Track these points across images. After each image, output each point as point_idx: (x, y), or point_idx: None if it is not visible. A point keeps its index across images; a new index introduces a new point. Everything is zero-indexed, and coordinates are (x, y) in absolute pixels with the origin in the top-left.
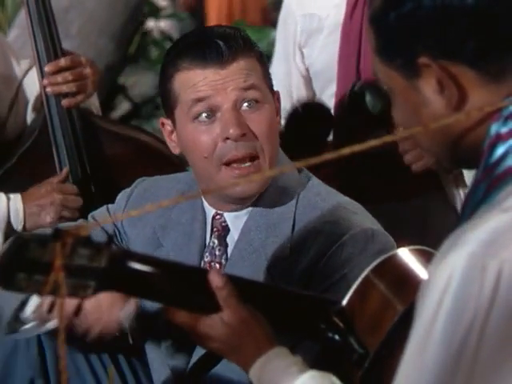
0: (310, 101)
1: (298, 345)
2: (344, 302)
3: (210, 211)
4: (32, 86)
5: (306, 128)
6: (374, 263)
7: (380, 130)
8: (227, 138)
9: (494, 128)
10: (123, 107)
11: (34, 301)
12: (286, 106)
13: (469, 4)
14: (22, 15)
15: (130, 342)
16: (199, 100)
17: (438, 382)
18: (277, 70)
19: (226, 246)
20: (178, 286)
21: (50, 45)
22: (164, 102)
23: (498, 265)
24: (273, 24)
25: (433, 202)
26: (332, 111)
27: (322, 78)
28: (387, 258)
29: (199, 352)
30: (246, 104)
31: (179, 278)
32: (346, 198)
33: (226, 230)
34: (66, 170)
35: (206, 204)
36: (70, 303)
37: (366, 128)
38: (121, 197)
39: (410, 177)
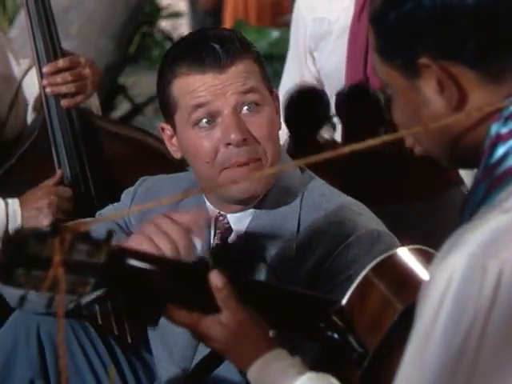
0: (302, 85)
1: (297, 345)
2: (344, 301)
3: (213, 212)
4: (32, 86)
5: (305, 109)
6: (374, 262)
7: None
8: (229, 144)
9: (495, 128)
10: (123, 107)
11: None
12: None
13: (469, 4)
14: (22, 15)
15: (129, 340)
16: (199, 106)
17: (438, 383)
18: (291, 73)
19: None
20: (177, 284)
21: (49, 45)
22: (163, 107)
23: (499, 265)
24: (287, 25)
25: (438, 203)
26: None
27: (332, 81)
28: (387, 258)
29: (202, 351)
30: (246, 108)
31: (178, 275)
32: (351, 199)
33: (228, 231)
34: (59, 172)
35: (208, 204)
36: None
37: (376, 125)
38: (125, 195)
39: (415, 178)
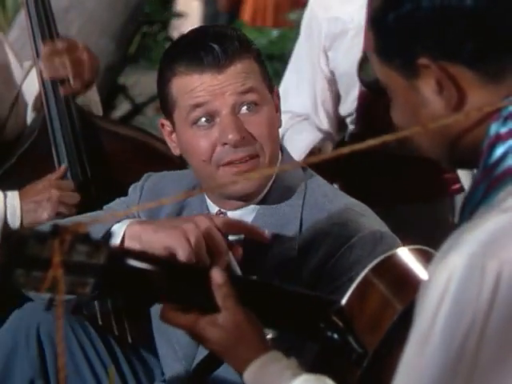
0: None
1: (297, 346)
2: (343, 301)
3: (214, 209)
4: (32, 86)
5: None
6: (374, 262)
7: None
8: (226, 144)
9: (494, 128)
10: (123, 107)
11: None
12: (309, 111)
13: (467, 5)
14: (22, 16)
15: (129, 340)
16: (197, 106)
17: (437, 383)
18: (300, 73)
19: None
20: (177, 284)
21: None
22: (162, 104)
23: (498, 265)
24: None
25: (441, 205)
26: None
27: (346, 81)
28: (387, 258)
29: (203, 350)
30: (244, 107)
31: (178, 275)
32: (353, 200)
33: None
34: (63, 166)
35: (209, 201)
36: None
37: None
38: (132, 190)
39: (418, 179)
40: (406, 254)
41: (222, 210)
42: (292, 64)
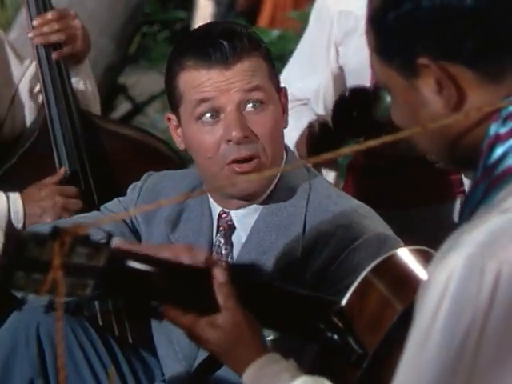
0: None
1: (296, 347)
2: (343, 301)
3: (216, 209)
4: (30, 82)
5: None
6: (374, 263)
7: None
8: (229, 141)
9: (493, 128)
10: (123, 107)
11: None
12: (309, 96)
13: (467, 5)
14: (23, 15)
15: (130, 341)
16: (203, 101)
17: (437, 383)
18: (304, 60)
19: (232, 245)
20: (177, 285)
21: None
22: (169, 97)
23: (497, 266)
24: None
25: (444, 209)
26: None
27: (355, 78)
28: (386, 258)
29: (204, 352)
30: (250, 105)
31: (178, 276)
32: (357, 202)
33: (231, 228)
34: (63, 169)
35: (211, 201)
36: None
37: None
38: (131, 190)
39: (424, 182)
40: (405, 255)
41: (225, 209)
42: (299, 49)
